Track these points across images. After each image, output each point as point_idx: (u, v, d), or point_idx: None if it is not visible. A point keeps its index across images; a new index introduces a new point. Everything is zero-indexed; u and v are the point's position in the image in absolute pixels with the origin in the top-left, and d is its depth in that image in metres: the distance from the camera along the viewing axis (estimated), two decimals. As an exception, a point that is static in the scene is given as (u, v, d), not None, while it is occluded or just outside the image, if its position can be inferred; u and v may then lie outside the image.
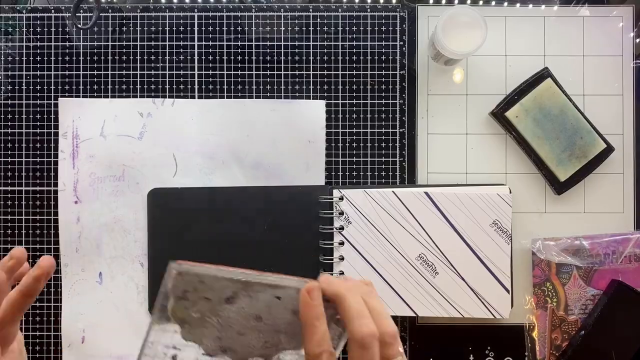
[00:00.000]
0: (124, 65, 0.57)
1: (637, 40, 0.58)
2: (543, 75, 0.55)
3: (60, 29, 0.57)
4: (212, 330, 0.39)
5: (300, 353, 0.38)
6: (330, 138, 0.56)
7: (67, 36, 0.57)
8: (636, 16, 0.57)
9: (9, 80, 0.57)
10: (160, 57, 0.57)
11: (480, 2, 0.58)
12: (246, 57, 0.57)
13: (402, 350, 0.35)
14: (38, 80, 0.57)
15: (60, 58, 0.57)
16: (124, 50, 0.57)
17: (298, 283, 0.36)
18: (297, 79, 0.57)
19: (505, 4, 0.57)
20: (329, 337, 0.34)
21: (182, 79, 0.57)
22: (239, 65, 0.57)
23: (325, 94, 0.57)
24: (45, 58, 0.57)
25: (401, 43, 0.57)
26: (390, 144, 0.57)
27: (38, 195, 0.56)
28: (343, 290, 0.33)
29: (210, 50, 0.57)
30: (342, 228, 0.54)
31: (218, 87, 0.57)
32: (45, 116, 0.56)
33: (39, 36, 0.57)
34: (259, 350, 0.40)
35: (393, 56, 0.57)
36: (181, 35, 0.57)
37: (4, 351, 0.37)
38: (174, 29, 0.57)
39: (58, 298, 0.55)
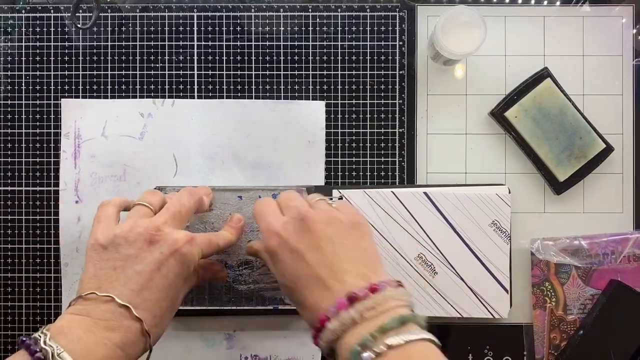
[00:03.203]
0: (123, 65, 0.57)
1: (638, 37, 0.57)
2: (542, 75, 0.55)
3: (59, 29, 0.57)
4: None
5: None
6: (329, 138, 0.56)
7: (66, 36, 0.57)
8: (636, 15, 0.57)
9: (9, 80, 0.57)
10: (159, 57, 0.57)
11: (482, 0, 0.58)
12: (246, 57, 0.57)
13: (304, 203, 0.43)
14: (38, 80, 0.57)
15: (59, 58, 0.57)
16: (124, 51, 0.57)
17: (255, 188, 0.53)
18: (296, 79, 0.57)
19: (507, 0, 0.57)
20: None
21: (181, 79, 0.57)
22: (239, 65, 0.57)
23: (325, 94, 0.57)
24: (45, 58, 0.57)
25: (401, 43, 0.57)
26: (390, 144, 0.57)
27: (38, 195, 0.56)
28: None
29: (210, 50, 0.57)
30: (341, 228, 0.55)
31: (218, 87, 0.57)
32: (45, 116, 0.57)
33: (38, 36, 0.57)
34: (245, 249, 0.51)
35: (392, 56, 0.57)
36: (181, 36, 0.57)
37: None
38: (174, 29, 0.57)
39: (58, 298, 0.55)
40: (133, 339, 0.37)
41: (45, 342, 0.33)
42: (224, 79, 0.57)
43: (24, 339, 0.34)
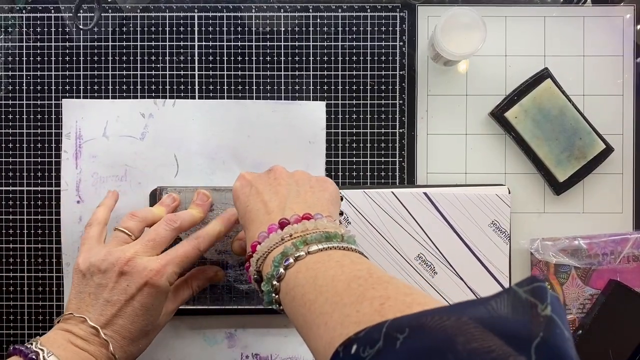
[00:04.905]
0: (124, 65, 0.57)
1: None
2: (543, 75, 0.55)
3: (60, 29, 0.57)
4: None
5: None
6: (330, 138, 0.57)
7: (67, 36, 0.57)
8: (637, 15, 0.57)
9: (9, 80, 0.57)
10: (160, 57, 0.57)
11: None
12: (246, 57, 0.57)
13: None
14: (38, 80, 0.57)
15: (60, 58, 0.57)
16: (124, 51, 0.57)
17: None
18: (297, 79, 0.57)
19: None
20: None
21: (182, 79, 0.57)
22: (240, 65, 0.57)
23: (325, 94, 0.57)
24: (46, 58, 0.57)
25: (401, 43, 0.57)
26: (390, 144, 0.57)
27: (39, 195, 0.56)
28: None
29: (211, 50, 0.57)
30: (341, 228, 0.55)
31: (218, 87, 0.57)
32: (46, 116, 0.57)
33: (39, 36, 0.57)
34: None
35: (393, 56, 0.57)
36: (181, 36, 0.57)
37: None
38: (175, 29, 0.57)
39: (60, 297, 0.56)
40: (106, 353, 0.42)
41: (36, 347, 0.39)
42: (225, 79, 0.57)
43: (17, 346, 0.39)
